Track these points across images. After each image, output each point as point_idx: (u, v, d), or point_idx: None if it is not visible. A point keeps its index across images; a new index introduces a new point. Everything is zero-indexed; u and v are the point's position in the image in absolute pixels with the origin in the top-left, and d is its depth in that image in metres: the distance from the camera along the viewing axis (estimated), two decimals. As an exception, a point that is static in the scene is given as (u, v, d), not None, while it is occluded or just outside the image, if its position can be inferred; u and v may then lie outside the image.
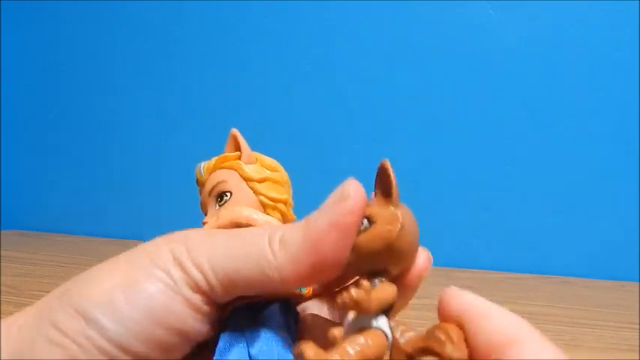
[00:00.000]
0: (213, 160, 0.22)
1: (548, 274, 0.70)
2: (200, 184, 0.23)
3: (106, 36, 0.96)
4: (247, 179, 0.21)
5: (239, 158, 0.22)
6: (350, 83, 0.80)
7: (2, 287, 0.58)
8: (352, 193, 0.17)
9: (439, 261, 0.84)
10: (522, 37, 0.72)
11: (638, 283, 0.65)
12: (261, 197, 0.21)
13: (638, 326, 0.47)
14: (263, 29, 0.85)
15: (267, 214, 0.21)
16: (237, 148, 0.22)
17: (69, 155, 1.00)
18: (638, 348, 0.42)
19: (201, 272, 0.17)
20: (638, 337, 0.45)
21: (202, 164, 0.23)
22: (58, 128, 1.01)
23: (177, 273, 0.18)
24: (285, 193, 0.23)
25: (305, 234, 0.17)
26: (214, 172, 0.22)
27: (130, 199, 0.95)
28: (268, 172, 0.22)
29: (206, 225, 0.22)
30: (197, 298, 0.17)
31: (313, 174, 0.82)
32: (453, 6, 0.75)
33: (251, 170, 0.22)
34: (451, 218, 0.76)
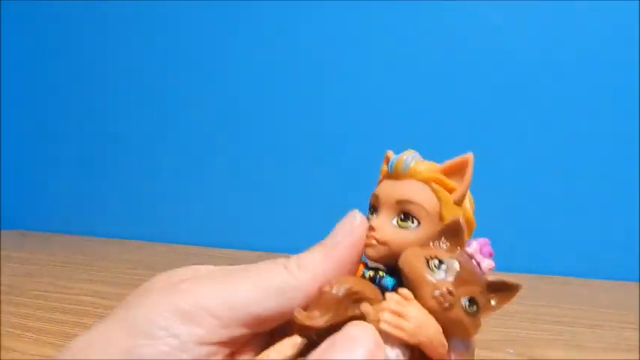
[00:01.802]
0: (430, 169, 0.20)
1: (548, 274, 0.70)
2: (392, 176, 0.20)
3: (107, 36, 0.96)
4: (443, 220, 0.19)
5: (451, 191, 0.20)
6: (350, 83, 0.80)
7: (2, 287, 0.58)
8: (358, 217, 0.20)
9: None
10: (522, 37, 0.72)
11: (638, 283, 0.65)
12: (441, 244, 0.19)
13: (638, 326, 0.47)
14: (262, 29, 0.85)
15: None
16: (460, 173, 0.20)
17: (69, 155, 1.00)
18: (638, 348, 0.42)
19: (217, 318, 0.17)
20: (638, 337, 0.45)
21: (413, 159, 0.20)
22: (57, 128, 1.01)
23: (183, 329, 0.17)
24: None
25: (326, 253, 0.19)
26: (419, 182, 0.20)
27: (129, 199, 0.95)
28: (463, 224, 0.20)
29: (374, 232, 0.19)
30: (205, 350, 0.17)
31: (313, 174, 0.82)
32: (453, 6, 0.75)
33: (451, 213, 0.19)
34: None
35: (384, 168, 0.22)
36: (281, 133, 0.83)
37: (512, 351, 0.41)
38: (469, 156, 0.20)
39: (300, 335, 0.18)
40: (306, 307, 0.18)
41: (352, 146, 0.80)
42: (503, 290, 0.19)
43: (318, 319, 0.17)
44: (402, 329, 0.16)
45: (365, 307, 0.17)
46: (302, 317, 0.17)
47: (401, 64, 0.78)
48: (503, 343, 0.42)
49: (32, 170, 1.04)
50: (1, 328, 0.44)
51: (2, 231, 0.98)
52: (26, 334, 0.43)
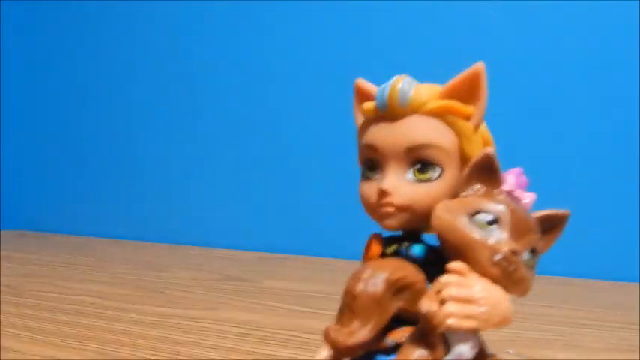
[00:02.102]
0: (432, 92, 0.15)
1: (548, 274, 0.70)
2: (388, 115, 0.15)
3: (107, 37, 0.96)
4: (467, 158, 0.14)
5: (470, 118, 0.15)
6: (349, 83, 0.80)
7: (2, 287, 0.59)
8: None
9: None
10: (522, 37, 0.72)
11: (638, 283, 0.65)
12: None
13: (638, 326, 0.47)
14: (262, 29, 0.85)
15: None
16: (471, 92, 0.15)
17: (69, 156, 1.00)
18: (638, 348, 0.42)
19: None
20: (638, 337, 0.45)
21: (412, 87, 0.15)
22: (58, 129, 1.01)
23: None
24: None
25: None
26: (427, 116, 0.15)
27: (129, 199, 0.95)
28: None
29: (389, 197, 0.14)
30: None
31: (313, 174, 0.82)
32: (453, 6, 0.75)
33: (475, 146, 0.14)
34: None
35: (369, 105, 0.16)
36: (281, 134, 0.83)
37: (512, 351, 0.41)
38: (479, 66, 0.15)
39: (341, 356, 0.14)
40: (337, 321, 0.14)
41: (352, 146, 0.80)
42: (553, 224, 0.16)
43: (361, 332, 0.13)
44: (474, 318, 0.12)
45: (426, 304, 0.13)
46: (341, 336, 0.13)
47: (401, 64, 0.78)
48: (503, 343, 0.42)
49: (32, 170, 1.04)
50: (1, 328, 0.44)
51: (2, 231, 0.98)
52: (26, 334, 0.43)
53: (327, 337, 0.13)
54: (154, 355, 0.40)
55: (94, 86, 0.97)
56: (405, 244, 0.15)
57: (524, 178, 0.16)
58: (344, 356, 0.14)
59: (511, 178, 0.15)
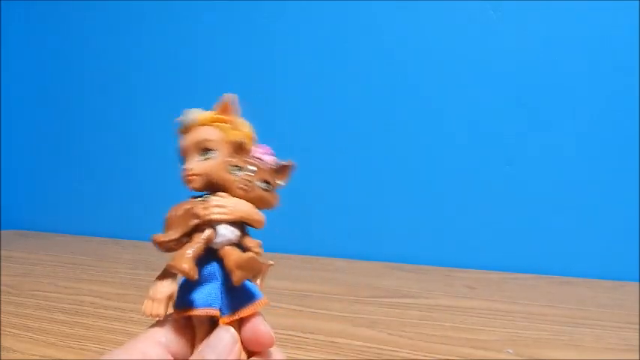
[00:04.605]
0: (208, 115, 0.26)
1: (548, 274, 0.70)
2: (186, 130, 0.26)
3: (107, 37, 0.96)
4: (231, 145, 0.26)
5: (228, 123, 0.26)
6: (349, 84, 0.80)
7: (2, 287, 0.59)
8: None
9: (439, 261, 0.84)
10: (522, 37, 0.72)
11: (638, 283, 0.65)
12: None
13: (638, 326, 0.47)
14: (261, 29, 0.85)
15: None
16: (229, 109, 0.27)
17: (69, 156, 1.00)
18: (638, 348, 0.42)
19: None
20: (638, 337, 0.45)
21: (194, 113, 0.26)
22: (58, 129, 1.01)
23: None
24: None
25: None
26: (204, 126, 0.26)
27: (129, 199, 0.95)
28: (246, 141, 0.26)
29: (190, 171, 0.25)
30: None
31: (313, 174, 0.82)
32: (453, 6, 0.75)
33: (236, 138, 0.26)
34: (451, 218, 0.76)
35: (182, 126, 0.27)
36: (280, 134, 0.83)
37: (511, 351, 0.41)
38: (228, 96, 0.26)
39: (166, 251, 0.23)
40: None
41: (352, 147, 0.80)
42: (283, 170, 0.26)
43: (172, 235, 0.23)
44: (225, 213, 0.23)
45: (195, 208, 0.23)
46: (161, 237, 0.22)
47: (401, 64, 0.78)
48: (503, 343, 0.43)
49: (32, 170, 1.04)
50: (1, 328, 0.44)
51: (2, 231, 0.98)
52: (26, 334, 0.43)
53: (153, 239, 0.22)
54: (154, 355, 0.40)
55: (94, 86, 0.97)
56: (205, 196, 0.25)
57: (268, 149, 0.26)
58: (164, 250, 0.23)
59: (258, 149, 0.26)
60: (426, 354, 0.40)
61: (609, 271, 0.68)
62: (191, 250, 0.22)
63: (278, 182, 0.26)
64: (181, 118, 0.27)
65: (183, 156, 0.26)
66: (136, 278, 0.65)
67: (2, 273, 0.66)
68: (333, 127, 0.82)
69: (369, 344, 0.42)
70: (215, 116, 0.26)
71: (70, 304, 0.53)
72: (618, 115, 0.69)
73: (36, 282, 0.62)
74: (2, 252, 0.79)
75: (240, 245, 0.25)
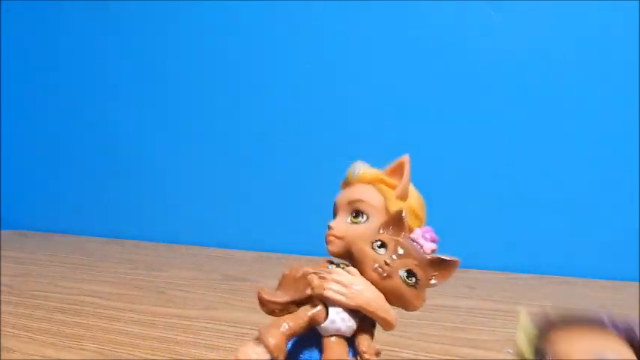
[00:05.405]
0: (373, 173, 0.23)
1: (548, 274, 0.70)
2: (346, 184, 0.24)
3: (107, 37, 0.96)
4: (388, 215, 0.22)
5: (394, 188, 0.23)
6: (349, 84, 0.80)
7: (2, 287, 0.58)
8: None
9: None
10: (522, 37, 0.72)
11: (638, 283, 0.65)
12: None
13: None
14: (261, 29, 0.85)
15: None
16: (400, 173, 0.23)
17: (69, 156, 1.00)
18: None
19: None
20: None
21: (361, 168, 0.23)
22: (57, 129, 1.01)
23: None
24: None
25: None
26: (365, 184, 0.23)
27: (129, 199, 0.95)
28: (407, 214, 0.22)
29: (331, 230, 0.21)
30: None
31: (312, 174, 0.82)
32: (453, 6, 0.75)
33: (396, 208, 0.22)
34: (451, 218, 0.76)
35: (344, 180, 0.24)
36: (280, 134, 0.83)
37: (511, 351, 0.41)
38: (404, 157, 0.23)
39: (267, 313, 0.20)
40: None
41: (352, 146, 0.80)
42: (443, 266, 0.21)
43: (279, 297, 0.20)
44: (342, 294, 0.19)
45: (311, 277, 0.19)
46: (267, 295, 0.19)
47: (401, 64, 0.78)
48: (503, 343, 0.42)
49: (32, 170, 1.04)
50: (1, 328, 0.44)
51: (2, 231, 0.98)
52: (26, 334, 0.43)
53: (257, 295, 0.20)
54: (154, 355, 0.40)
55: (94, 86, 0.97)
56: (342, 266, 0.21)
57: (432, 235, 0.22)
58: (264, 309, 0.20)
59: (418, 231, 0.21)
60: (426, 354, 0.40)
61: (609, 271, 0.68)
62: (288, 325, 0.18)
63: (430, 280, 0.20)
64: (349, 169, 0.24)
65: (334, 211, 0.23)
66: (136, 278, 0.65)
67: (2, 273, 0.66)
68: (333, 127, 0.82)
69: (369, 344, 0.42)
70: (381, 177, 0.23)
71: (70, 304, 0.53)
72: (618, 115, 0.69)
73: (36, 282, 0.62)
74: (2, 252, 0.79)
75: (352, 342, 0.19)
